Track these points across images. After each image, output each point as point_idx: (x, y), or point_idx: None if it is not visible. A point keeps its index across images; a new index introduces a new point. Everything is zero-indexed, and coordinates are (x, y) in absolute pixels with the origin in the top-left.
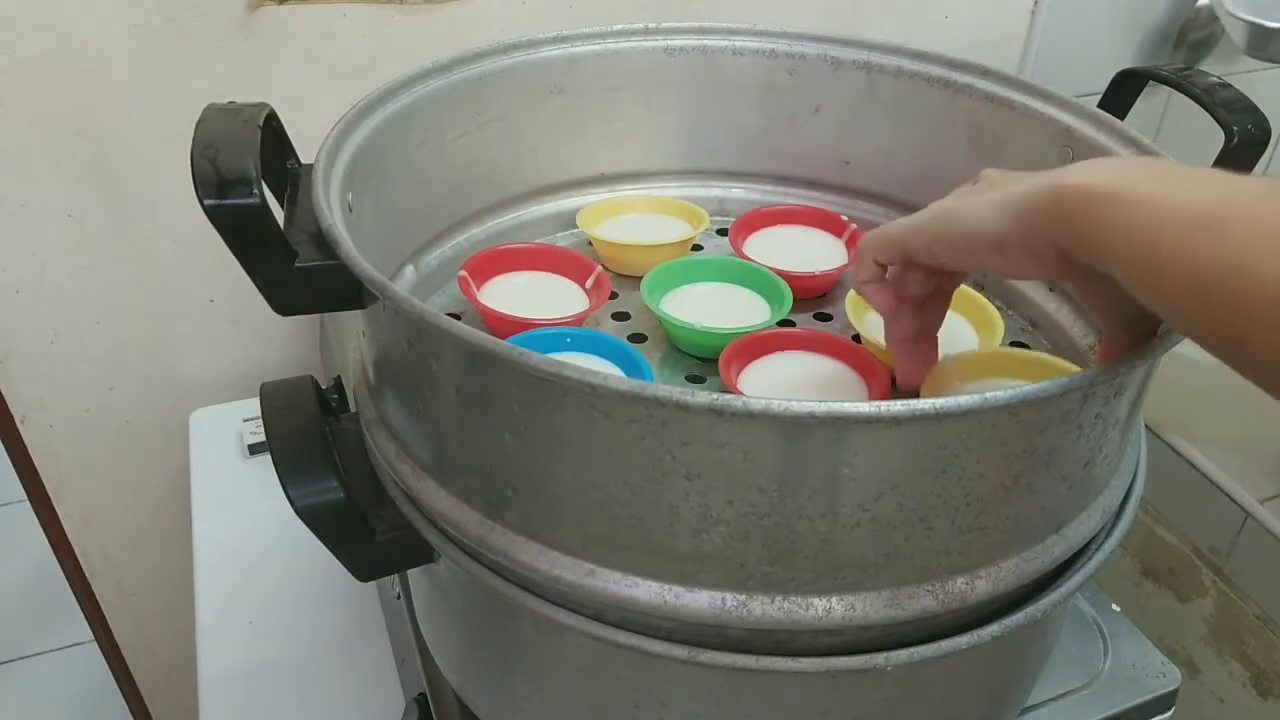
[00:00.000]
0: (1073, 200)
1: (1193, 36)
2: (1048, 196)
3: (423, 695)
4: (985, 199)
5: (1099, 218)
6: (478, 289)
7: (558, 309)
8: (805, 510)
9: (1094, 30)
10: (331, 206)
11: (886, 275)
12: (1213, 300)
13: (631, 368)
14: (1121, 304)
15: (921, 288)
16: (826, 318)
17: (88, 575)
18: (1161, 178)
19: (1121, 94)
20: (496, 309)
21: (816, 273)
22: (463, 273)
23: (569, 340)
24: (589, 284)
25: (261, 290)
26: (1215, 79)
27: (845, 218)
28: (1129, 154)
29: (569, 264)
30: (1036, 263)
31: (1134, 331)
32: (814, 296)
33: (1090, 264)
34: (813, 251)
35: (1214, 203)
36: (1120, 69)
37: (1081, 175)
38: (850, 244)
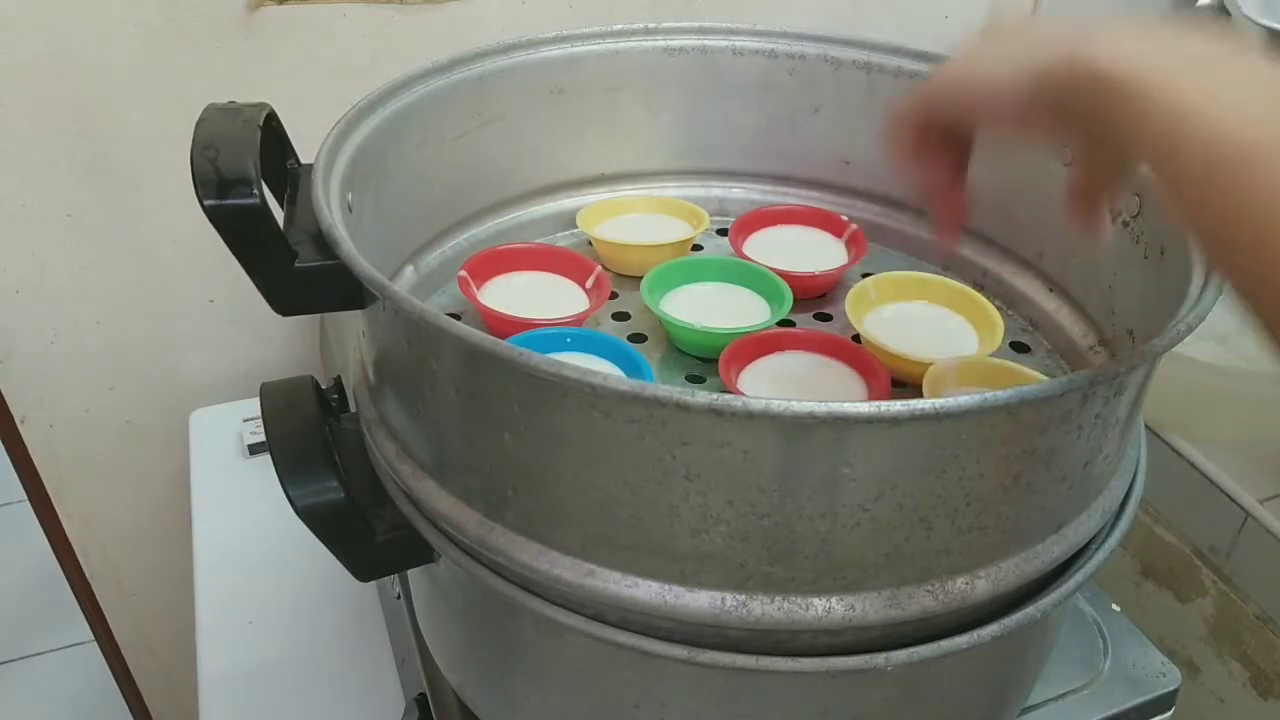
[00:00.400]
0: (1109, 91)
1: None
2: (1080, 75)
3: (423, 695)
4: (1006, 52)
5: (1139, 119)
6: (478, 289)
7: (558, 309)
8: (805, 510)
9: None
10: (331, 206)
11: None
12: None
13: (631, 368)
14: (1110, 165)
15: (948, 145)
16: (826, 318)
17: (88, 575)
18: (1214, 83)
19: None
20: (496, 309)
21: (816, 273)
22: (463, 273)
23: (569, 340)
24: (589, 284)
25: (261, 290)
26: None
27: (845, 218)
28: None
29: (569, 264)
30: (1049, 132)
31: (1108, 181)
32: (814, 296)
33: (1115, 148)
34: (813, 251)
35: (1274, 131)
36: None
37: (1119, 60)
38: (850, 244)
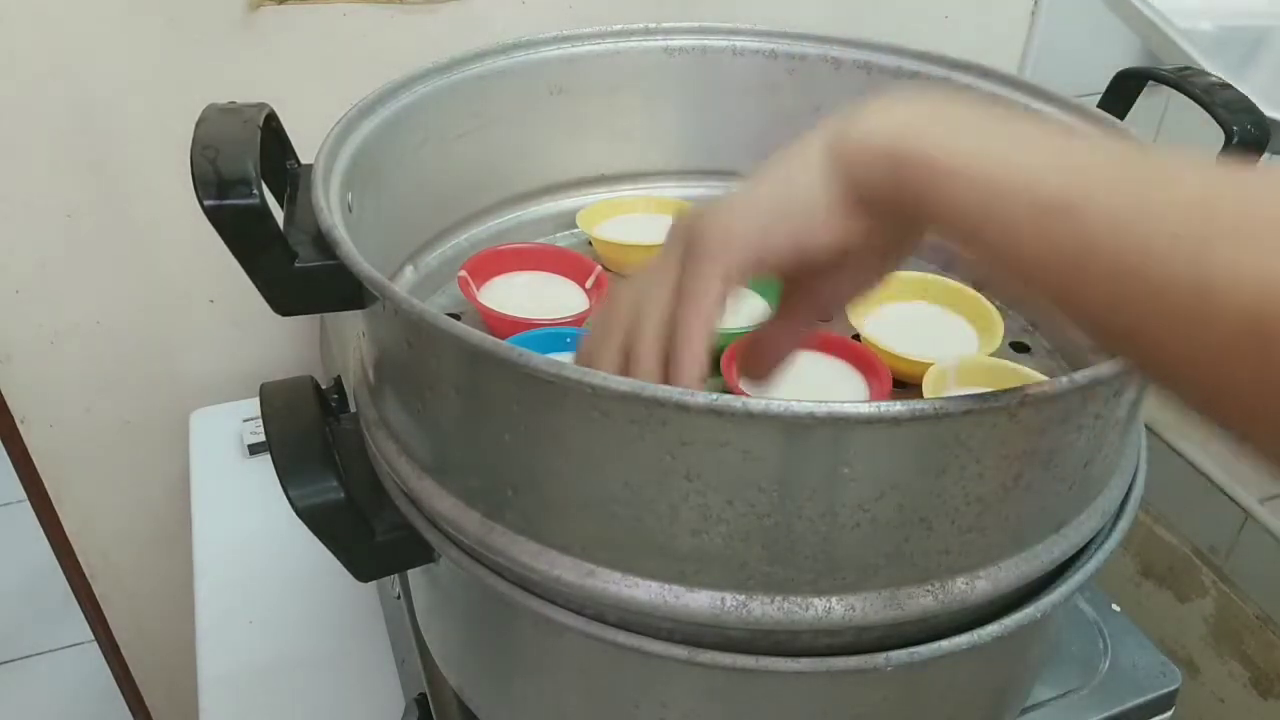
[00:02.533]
0: (916, 173)
1: None
2: (888, 164)
3: (423, 695)
4: (812, 176)
5: (942, 194)
6: (478, 289)
7: (558, 309)
8: (805, 510)
9: (1094, 30)
10: (331, 207)
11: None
12: (1088, 274)
13: None
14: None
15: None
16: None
17: (88, 575)
18: (1007, 148)
19: (1121, 94)
20: (496, 309)
21: None
22: (463, 273)
23: (569, 340)
24: (589, 284)
25: (261, 290)
26: (1215, 79)
27: None
28: None
29: (569, 264)
30: (865, 222)
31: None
32: None
33: (926, 228)
34: None
35: (1060, 183)
36: (1120, 69)
37: (895, 133)
38: None
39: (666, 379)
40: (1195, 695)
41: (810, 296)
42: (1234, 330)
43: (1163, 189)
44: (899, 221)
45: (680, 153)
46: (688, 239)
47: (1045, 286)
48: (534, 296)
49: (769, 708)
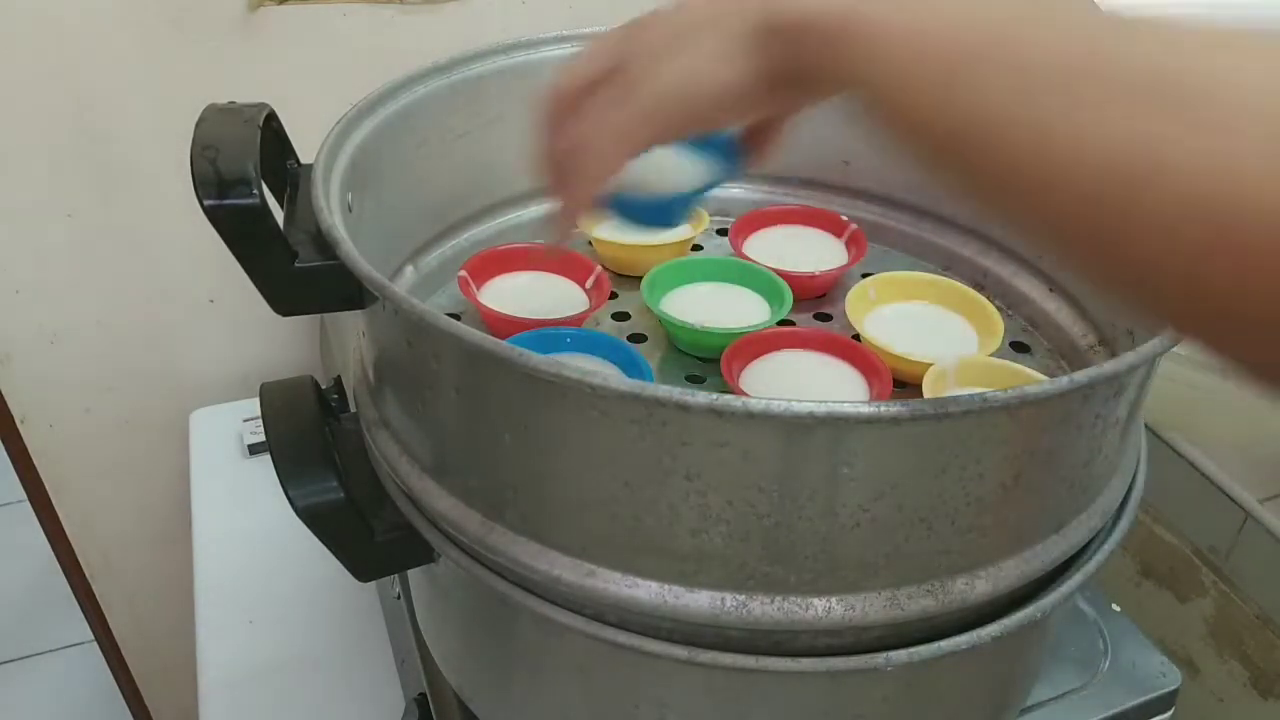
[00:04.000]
0: (824, 35)
1: None
2: (789, 29)
3: (423, 695)
4: (706, 51)
5: (861, 58)
6: (478, 289)
7: (558, 309)
8: (805, 510)
9: None
10: (331, 206)
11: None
12: (961, 147)
13: (631, 368)
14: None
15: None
16: (826, 317)
17: (88, 575)
18: (921, 8)
19: None
20: (496, 309)
21: (816, 273)
22: (463, 273)
23: (569, 340)
24: (589, 284)
25: (261, 290)
26: None
27: (845, 218)
28: None
29: (569, 264)
30: (780, 98)
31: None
32: (814, 296)
33: (831, 92)
34: (813, 251)
35: (970, 39)
36: None
37: (819, 3)
38: (850, 244)
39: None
40: (1195, 695)
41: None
42: (1084, 192)
43: (1045, 47)
44: (819, 92)
45: None
46: (624, 71)
47: (936, 153)
48: (534, 296)
49: (769, 708)
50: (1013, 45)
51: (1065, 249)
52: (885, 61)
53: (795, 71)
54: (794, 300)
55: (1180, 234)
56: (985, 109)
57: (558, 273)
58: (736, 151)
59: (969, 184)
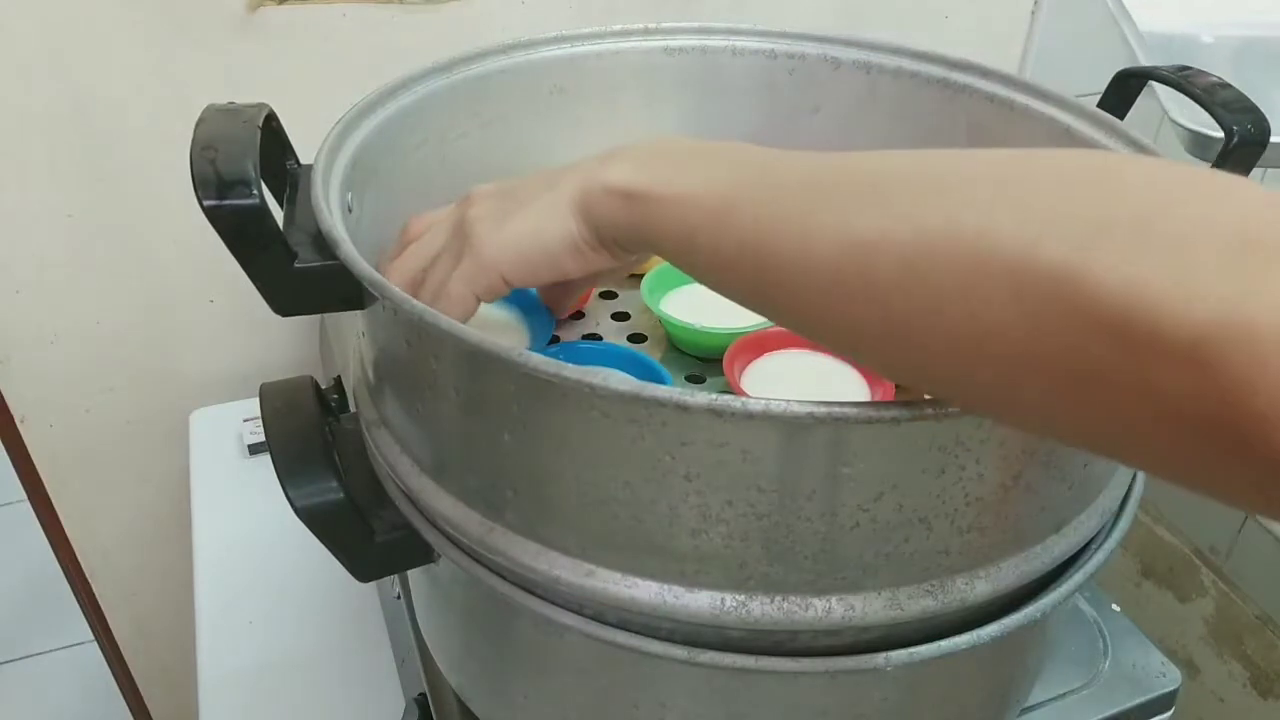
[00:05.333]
0: (616, 199)
1: None
2: (601, 194)
3: (423, 695)
4: (563, 222)
5: (642, 215)
6: None
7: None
8: (805, 510)
9: (1094, 30)
10: (331, 207)
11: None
12: (742, 274)
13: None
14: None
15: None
16: None
17: (88, 575)
18: (684, 169)
19: (1121, 94)
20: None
21: None
22: None
23: (588, 354)
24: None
25: (261, 291)
26: (1215, 79)
27: None
28: (1128, 154)
29: None
30: (607, 255)
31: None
32: None
33: (642, 250)
34: None
35: (723, 192)
36: (1120, 69)
37: (620, 174)
38: None
39: None
40: (1195, 695)
41: (558, 294)
42: (834, 272)
43: (778, 177)
44: (634, 249)
45: None
46: (463, 236)
47: (731, 287)
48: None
49: (769, 708)
50: (756, 187)
51: (836, 338)
52: (663, 219)
53: (610, 228)
54: None
55: (889, 296)
56: (751, 232)
57: None
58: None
59: (757, 300)
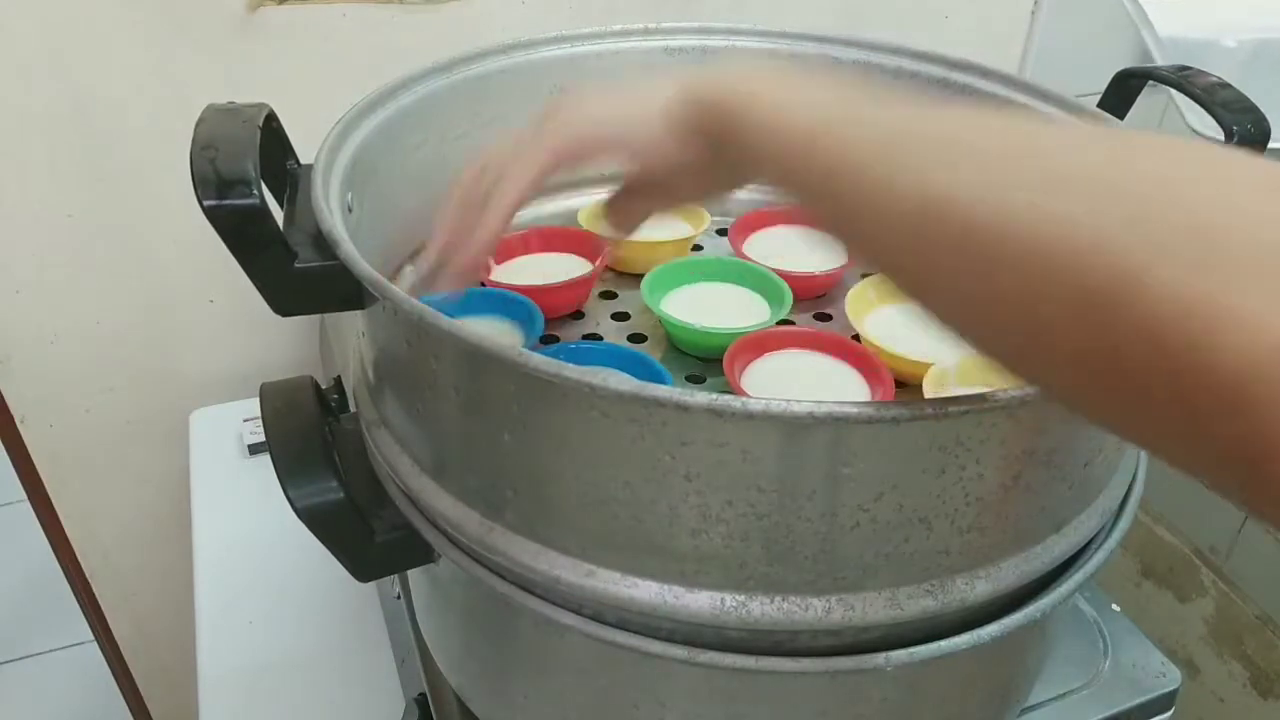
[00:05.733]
0: (726, 92)
1: None
2: (714, 83)
3: (423, 695)
4: (658, 102)
5: (743, 131)
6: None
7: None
8: (805, 510)
9: (1094, 30)
10: (331, 207)
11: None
12: (824, 203)
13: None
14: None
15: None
16: (826, 318)
17: (88, 575)
18: (789, 89)
19: (1121, 94)
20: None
21: (816, 273)
22: None
23: (591, 354)
24: (599, 263)
25: (261, 291)
26: (1215, 79)
27: None
28: None
29: (581, 243)
30: (690, 147)
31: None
32: (814, 296)
33: (730, 152)
34: (813, 251)
35: (824, 117)
36: (1120, 69)
37: (739, 72)
38: None
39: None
40: (1195, 695)
41: (635, 200)
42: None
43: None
44: (717, 156)
45: None
46: (547, 112)
47: (814, 209)
48: (542, 274)
49: (769, 708)
50: (854, 117)
51: (899, 277)
52: (758, 127)
53: (713, 120)
54: (794, 300)
55: (966, 254)
56: (841, 162)
57: (570, 252)
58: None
59: (836, 226)
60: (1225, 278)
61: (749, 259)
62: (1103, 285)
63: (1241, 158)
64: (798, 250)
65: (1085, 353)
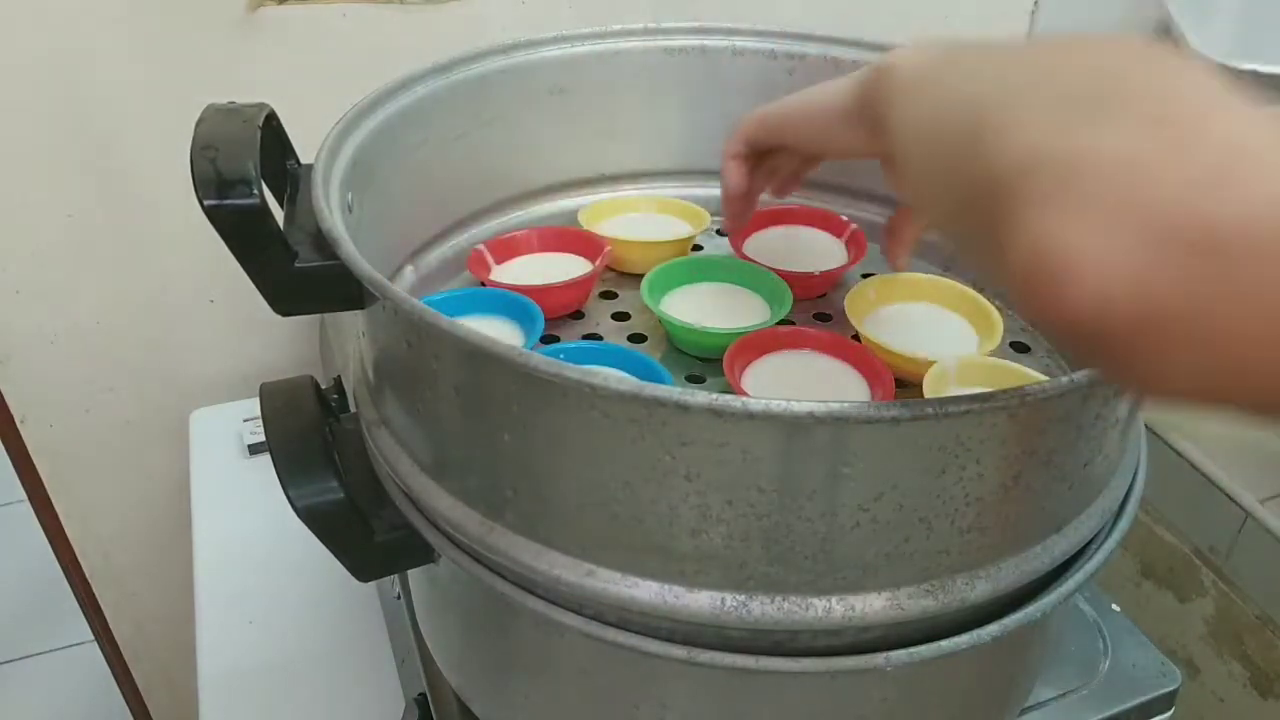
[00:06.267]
0: (882, 81)
1: None
2: (873, 75)
3: (423, 695)
4: (840, 93)
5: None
6: (495, 264)
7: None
8: (805, 510)
9: (1094, 30)
10: (331, 207)
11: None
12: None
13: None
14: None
15: (786, 166)
16: (826, 318)
17: (88, 575)
18: (958, 67)
19: None
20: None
21: (816, 273)
22: (480, 247)
23: (591, 354)
24: (599, 262)
25: (261, 291)
26: None
27: (845, 218)
28: None
29: (581, 243)
30: (868, 134)
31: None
32: (814, 296)
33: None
34: (813, 251)
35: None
36: None
37: (895, 57)
38: (850, 244)
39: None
40: (1195, 695)
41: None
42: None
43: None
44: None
45: (680, 152)
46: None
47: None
48: (542, 274)
49: (769, 708)
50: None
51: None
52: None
53: (874, 104)
54: (794, 300)
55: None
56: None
57: (570, 252)
58: (537, 316)
59: (983, 237)
60: None
61: (749, 259)
62: None
63: None
64: (797, 250)
65: None
